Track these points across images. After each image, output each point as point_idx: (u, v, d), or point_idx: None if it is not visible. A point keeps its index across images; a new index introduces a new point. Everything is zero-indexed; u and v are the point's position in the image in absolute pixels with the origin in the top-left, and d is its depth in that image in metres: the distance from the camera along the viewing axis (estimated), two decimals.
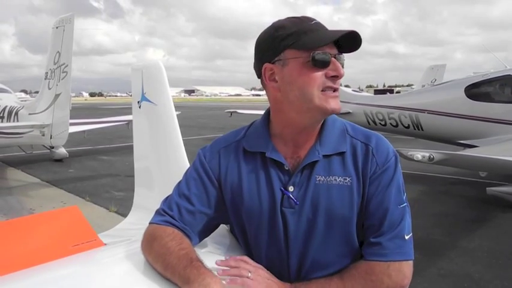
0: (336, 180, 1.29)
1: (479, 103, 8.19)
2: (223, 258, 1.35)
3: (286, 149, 1.34)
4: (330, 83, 1.24)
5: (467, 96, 8.34)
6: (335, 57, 1.24)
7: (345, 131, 1.36)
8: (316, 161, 1.30)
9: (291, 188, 1.30)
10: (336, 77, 1.24)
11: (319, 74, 1.23)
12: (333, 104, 1.25)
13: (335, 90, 1.26)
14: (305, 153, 1.32)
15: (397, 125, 10.00)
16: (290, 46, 1.24)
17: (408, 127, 9.69)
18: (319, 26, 1.25)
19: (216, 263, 1.23)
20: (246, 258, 1.30)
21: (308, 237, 1.31)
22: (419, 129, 9.47)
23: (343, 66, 1.27)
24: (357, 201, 1.29)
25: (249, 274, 1.21)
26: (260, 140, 1.37)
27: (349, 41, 1.24)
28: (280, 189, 1.31)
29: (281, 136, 1.36)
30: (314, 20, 1.27)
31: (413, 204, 6.40)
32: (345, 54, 1.28)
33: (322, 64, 1.23)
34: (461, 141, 8.33)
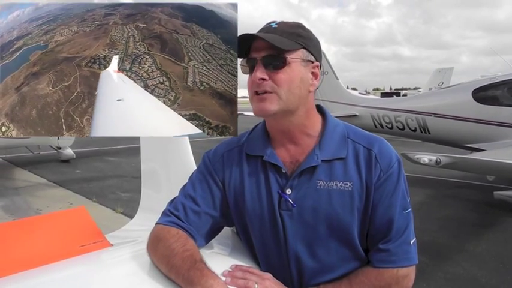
0: (336, 185, 1.29)
1: (487, 106, 8.13)
2: (228, 259, 1.36)
3: (285, 152, 1.36)
4: (255, 88, 1.27)
5: (475, 100, 8.28)
6: (262, 60, 1.25)
7: (345, 135, 1.36)
8: (316, 166, 1.30)
9: (288, 191, 1.31)
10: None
11: (250, 79, 1.29)
12: (257, 105, 1.27)
13: (260, 93, 1.26)
14: (304, 158, 1.33)
15: (403, 128, 9.95)
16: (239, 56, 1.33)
17: (415, 130, 9.64)
18: (261, 31, 1.28)
19: (223, 274, 1.23)
20: (253, 268, 1.30)
21: (308, 241, 1.31)
22: (426, 133, 9.41)
23: (280, 66, 1.24)
24: (358, 206, 1.29)
25: (256, 286, 1.21)
26: (260, 144, 1.39)
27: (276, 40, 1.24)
28: (278, 192, 1.32)
29: (276, 138, 1.38)
30: (269, 24, 1.30)
31: (420, 207, 6.37)
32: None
33: (247, 70, 1.30)
34: (469, 145, 8.27)
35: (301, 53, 1.28)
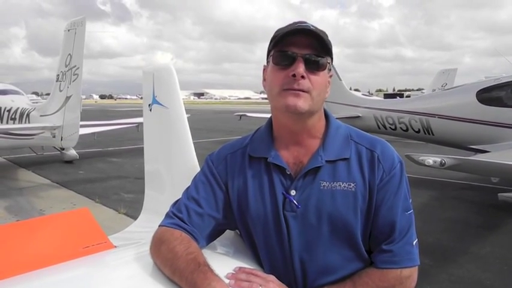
0: (340, 185, 1.30)
1: (491, 108, 8.11)
2: (232, 261, 1.35)
3: (288, 153, 1.36)
4: (290, 84, 1.25)
5: (479, 101, 8.27)
6: (304, 57, 1.25)
7: (348, 137, 1.37)
8: (320, 167, 1.31)
9: (292, 192, 1.31)
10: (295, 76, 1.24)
11: (281, 73, 1.27)
12: (290, 100, 1.25)
13: (297, 90, 1.25)
14: (308, 159, 1.33)
15: (407, 130, 9.93)
16: (272, 47, 1.31)
17: (418, 132, 9.62)
18: (297, 27, 1.27)
19: (227, 276, 1.22)
20: (256, 271, 1.30)
21: (312, 242, 1.31)
22: (429, 134, 9.40)
23: (320, 68, 1.27)
24: (362, 206, 1.30)
25: None
26: (263, 145, 1.40)
27: (318, 41, 1.26)
28: (282, 193, 1.32)
29: (280, 139, 1.38)
30: (302, 22, 1.29)
31: (424, 209, 6.36)
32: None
33: (281, 62, 1.27)
34: (473, 146, 8.25)
35: (329, 61, 1.31)
